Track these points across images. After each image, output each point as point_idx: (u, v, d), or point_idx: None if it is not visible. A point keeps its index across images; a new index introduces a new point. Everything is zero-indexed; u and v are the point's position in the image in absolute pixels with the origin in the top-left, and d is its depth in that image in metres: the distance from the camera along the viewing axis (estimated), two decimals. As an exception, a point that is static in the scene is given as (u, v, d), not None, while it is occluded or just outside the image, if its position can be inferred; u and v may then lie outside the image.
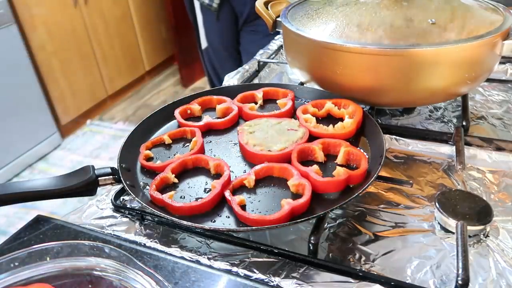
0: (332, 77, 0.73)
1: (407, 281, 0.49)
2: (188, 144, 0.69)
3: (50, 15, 2.58)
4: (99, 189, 0.59)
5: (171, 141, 0.70)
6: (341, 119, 0.71)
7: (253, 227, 0.52)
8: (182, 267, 0.50)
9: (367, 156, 0.61)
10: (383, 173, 0.67)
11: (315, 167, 0.59)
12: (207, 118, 0.74)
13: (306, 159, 0.63)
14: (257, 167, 0.60)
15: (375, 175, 0.56)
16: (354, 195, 0.53)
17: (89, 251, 0.42)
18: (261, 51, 1.12)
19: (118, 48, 3.11)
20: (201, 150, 0.66)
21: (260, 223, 0.51)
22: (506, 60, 0.96)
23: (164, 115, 0.76)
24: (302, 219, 0.51)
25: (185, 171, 0.63)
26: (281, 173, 0.60)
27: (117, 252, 0.41)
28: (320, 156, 0.62)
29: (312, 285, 0.48)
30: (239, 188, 0.59)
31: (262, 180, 0.60)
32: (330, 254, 0.54)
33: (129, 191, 0.56)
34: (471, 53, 0.66)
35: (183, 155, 0.64)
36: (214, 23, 1.83)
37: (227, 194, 0.56)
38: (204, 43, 1.96)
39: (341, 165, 0.61)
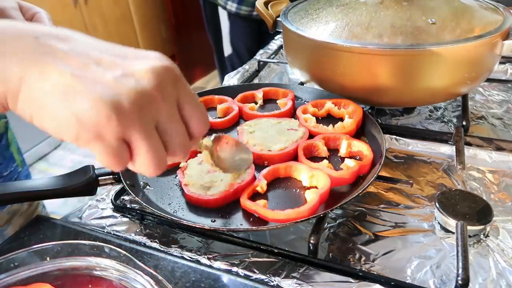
0: (332, 77, 0.73)
1: (407, 281, 0.49)
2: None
3: (50, 15, 2.57)
4: (99, 189, 0.59)
5: None
6: (341, 119, 0.71)
7: (253, 227, 0.52)
8: (182, 267, 0.50)
9: (369, 144, 0.61)
10: (383, 173, 0.67)
11: (325, 162, 0.59)
12: (207, 118, 0.74)
13: (310, 156, 0.63)
14: (264, 171, 0.59)
15: (375, 175, 0.56)
16: (354, 195, 0.53)
17: (89, 251, 0.42)
18: (261, 51, 1.12)
19: (118, 48, 3.11)
20: None
21: (292, 218, 0.50)
22: (506, 60, 0.96)
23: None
24: (302, 219, 0.51)
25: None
26: (287, 172, 0.60)
27: (117, 252, 0.41)
28: (323, 151, 0.63)
29: (312, 285, 0.48)
30: (252, 196, 0.57)
31: (271, 184, 0.59)
32: (330, 254, 0.54)
33: (129, 191, 0.56)
34: (471, 53, 0.66)
35: None
36: (241, 27, 1.85)
37: (246, 200, 0.54)
38: (227, 51, 1.98)
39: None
